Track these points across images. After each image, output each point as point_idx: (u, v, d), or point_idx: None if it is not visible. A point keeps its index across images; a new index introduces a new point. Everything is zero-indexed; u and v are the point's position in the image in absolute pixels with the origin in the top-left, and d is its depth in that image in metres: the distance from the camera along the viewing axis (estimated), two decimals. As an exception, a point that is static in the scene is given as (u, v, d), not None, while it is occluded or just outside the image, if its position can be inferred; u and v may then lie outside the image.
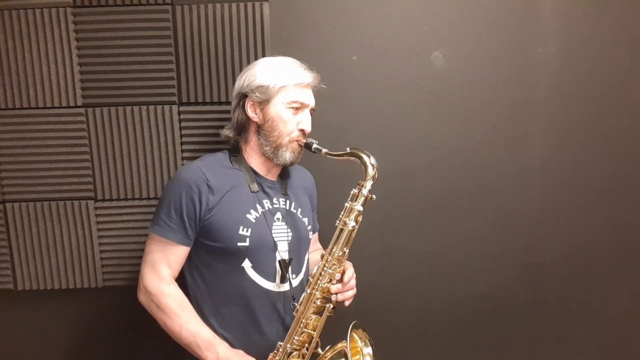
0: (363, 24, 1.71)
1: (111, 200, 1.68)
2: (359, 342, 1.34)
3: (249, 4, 1.62)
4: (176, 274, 1.35)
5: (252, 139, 1.41)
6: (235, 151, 1.44)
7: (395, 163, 1.78)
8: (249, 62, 1.58)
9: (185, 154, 1.67)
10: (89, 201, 1.67)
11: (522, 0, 1.72)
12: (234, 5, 1.62)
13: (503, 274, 1.87)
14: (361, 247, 1.80)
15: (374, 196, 1.33)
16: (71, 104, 1.63)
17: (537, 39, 1.74)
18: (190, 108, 1.66)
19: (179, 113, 1.66)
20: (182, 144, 1.67)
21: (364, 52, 1.72)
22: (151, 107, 1.64)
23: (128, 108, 1.64)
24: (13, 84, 1.61)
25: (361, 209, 1.32)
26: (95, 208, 1.68)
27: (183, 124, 1.66)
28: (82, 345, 1.79)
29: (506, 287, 1.88)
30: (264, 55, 1.64)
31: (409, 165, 1.79)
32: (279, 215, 1.41)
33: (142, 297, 1.33)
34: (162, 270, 1.31)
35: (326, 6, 1.70)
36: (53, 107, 1.63)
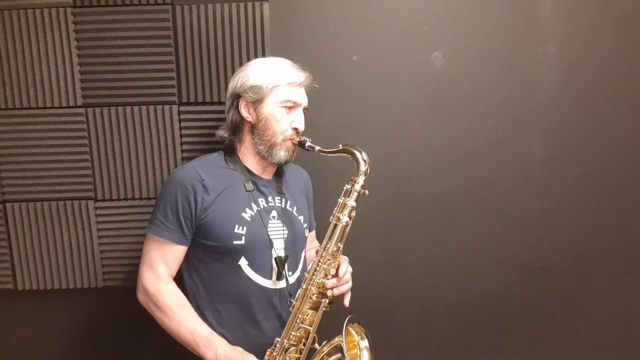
0: (363, 24, 1.71)
1: (111, 200, 1.68)
2: (355, 336, 1.36)
3: (249, 4, 1.62)
4: (174, 273, 1.36)
5: (247, 138, 1.43)
6: (230, 151, 1.46)
7: (395, 163, 1.78)
8: (249, 62, 1.59)
9: (185, 154, 1.67)
10: (89, 201, 1.67)
11: (522, 0, 1.72)
12: (234, 5, 1.62)
13: (504, 274, 1.87)
14: (362, 247, 1.81)
15: (366, 191, 1.34)
16: (71, 104, 1.63)
17: (537, 39, 1.74)
18: (190, 108, 1.66)
19: (179, 113, 1.66)
20: (182, 144, 1.67)
21: (364, 52, 1.72)
22: (151, 107, 1.64)
23: (128, 108, 1.64)
24: (13, 84, 1.61)
25: (354, 204, 1.33)
26: (95, 208, 1.68)
27: (183, 124, 1.66)
28: (82, 345, 1.79)
29: (507, 288, 1.88)
30: (264, 55, 1.64)
31: (409, 165, 1.79)
32: (274, 213, 1.43)
33: (140, 297, 1.34)
34: (160, 270, 1.32)
35: (326, 6, 1.70)
36: (53, 107, 1.63)
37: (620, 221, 1.85)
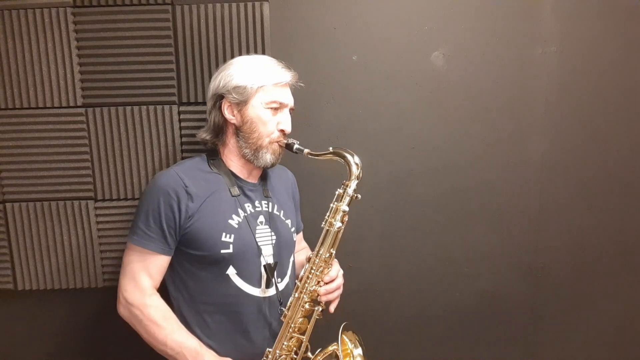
0: (363, 24, 1.71)
1: (111, 200, 1.68)
2: (349, 344, 1.33)
3: (249, 4, 1.62)
4: (157, 284, 1.31)
5: (231, 141, 1.37)
6: (213, 154, 1.40)
7: (395, 163, 1.78)
8: (249, 62, 1.58)
9: (185, 154, 1.67)
10: (89, 201, 1.67)
11: (522, 0, 1.72)
12: (234, 5, 1.62)
13: (503, 274, 1.87)
14: (361, 248, 1.81)
15: (359, 195, 1.32)
16: (71, 104, 1.63)
17: (537, 39, 1.74)
18: (190, 108, 1.66)
19: (179, 113, 1.66)
20: (182, 144, 1.67)
21: (364, 52, 1.72)
22: (151, 107, 1.64)
23: (128, 108, 1.64)
24: (13, 84, 1.60)
25: (347, 209, 1.30)
26: (95, 208, 1.68)
27: (183, 124, 1.66)
28: (82, 345, 1.79)
29: (506, 287, 1.88)
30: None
31: (409, 165, 1.79)
32: (261, 218, 1.38)
33: (122, 311, 1.30)
34: (143, 281, 1.27)
35: (326, 6, 1.70)
36: (53, 107, 1.63)
37: (620, 221, 1.85)
